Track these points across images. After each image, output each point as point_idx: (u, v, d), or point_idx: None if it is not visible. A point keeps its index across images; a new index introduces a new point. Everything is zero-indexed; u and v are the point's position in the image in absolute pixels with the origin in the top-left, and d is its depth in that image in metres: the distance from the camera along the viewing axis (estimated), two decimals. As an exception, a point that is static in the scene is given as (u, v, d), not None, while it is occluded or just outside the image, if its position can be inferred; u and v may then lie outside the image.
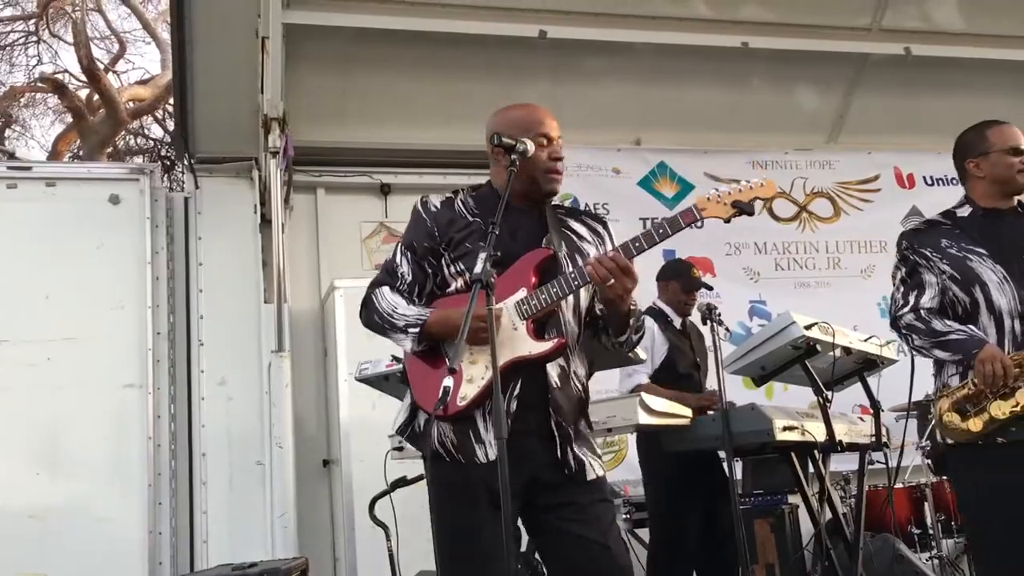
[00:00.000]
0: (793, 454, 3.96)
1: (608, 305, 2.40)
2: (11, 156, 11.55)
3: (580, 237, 2.55)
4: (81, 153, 12.41)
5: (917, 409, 5.52)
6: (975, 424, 2.71)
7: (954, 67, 6.55)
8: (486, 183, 2.59)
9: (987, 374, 2.67)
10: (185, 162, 5.80)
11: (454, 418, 2.35)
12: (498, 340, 2.22)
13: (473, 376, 2.33)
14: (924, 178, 6.93)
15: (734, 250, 6.42)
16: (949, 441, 2.82)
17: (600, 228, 2.60)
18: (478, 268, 2.13)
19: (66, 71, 13.73)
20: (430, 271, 2.50)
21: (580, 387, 2.46)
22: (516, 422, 2.31)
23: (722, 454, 3.91)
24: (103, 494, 5.11)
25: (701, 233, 6.34)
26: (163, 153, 13.25)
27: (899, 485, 5.21)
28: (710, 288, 4.74)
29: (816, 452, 3.99)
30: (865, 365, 4.31)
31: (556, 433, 2.36)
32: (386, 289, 2.50)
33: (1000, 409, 2.70)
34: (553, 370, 2.38)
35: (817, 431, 3.85)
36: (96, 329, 5.27)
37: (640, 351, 3.78)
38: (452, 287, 2.46)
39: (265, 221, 5.62)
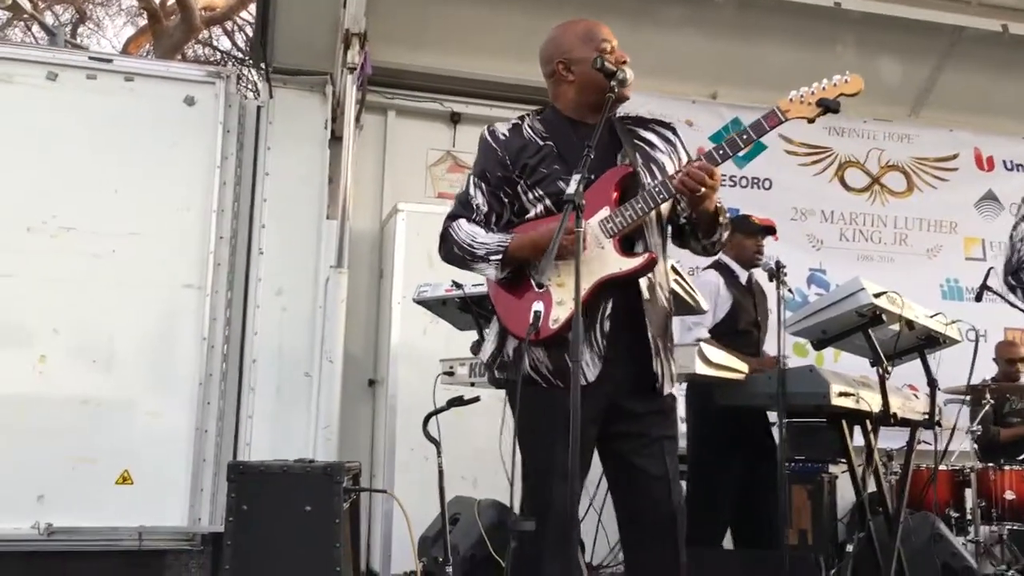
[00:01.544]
0: (844, 422, 3.92)
1: (697, 210, 2.39)
2: (84, 49, 11.63)
3: (652, 146, 2.53)
4: (152, 57, 12.48)
5: (971, 394, 5.47)
6: None
7: (1046, 48, 6.34)
8: (549, 106, 2.56)
9: None
10: (261, 70, 5.79)
11: (547, 342, 2.34)
12: (585, 260, 2.20)
13: (563, 298, 2.33)
14: (1004, 162, 6.75)
15: (800, 215, 6.33)
16: None
17: (670, 134, 2.58)
18: (571, 188, 2.11)
19: (142, -27, 13.78)
20: (506, 200, 2.49)
21: (666, 298, 2.48)
22: (610, 344, 2.32)
23: (772, 416, 3.88)
24: (155, 389, 5.22)
25: (767, 196, 6.29)
26: (230, 65, 13.29)
27: (943, 467, 5.17)
28: (773, 232, 4.65)
29: (868, 423, 3.94)
30: (927, 342, 4.23)
31: (651, 345, 2.37)
32: (463, 221, 2.49)
33: None
34: (643, 283, 2.37)
35: (872, 401, 3.81)
36: (161, 227, 5.32)
37: (703, 302, 3.75)
38: (532, 213, 2.45)
39: (335, 138, 5.62)
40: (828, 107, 2.27)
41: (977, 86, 6.58)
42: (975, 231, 6.56)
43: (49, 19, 13.65)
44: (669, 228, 2.55)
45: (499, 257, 2.39)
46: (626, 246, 2.36)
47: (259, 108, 5.73)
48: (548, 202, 2.40)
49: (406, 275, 5.25)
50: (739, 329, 4.38)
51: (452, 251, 2.49)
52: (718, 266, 4.52)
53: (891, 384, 4.19)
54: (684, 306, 3.63)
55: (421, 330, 5.18)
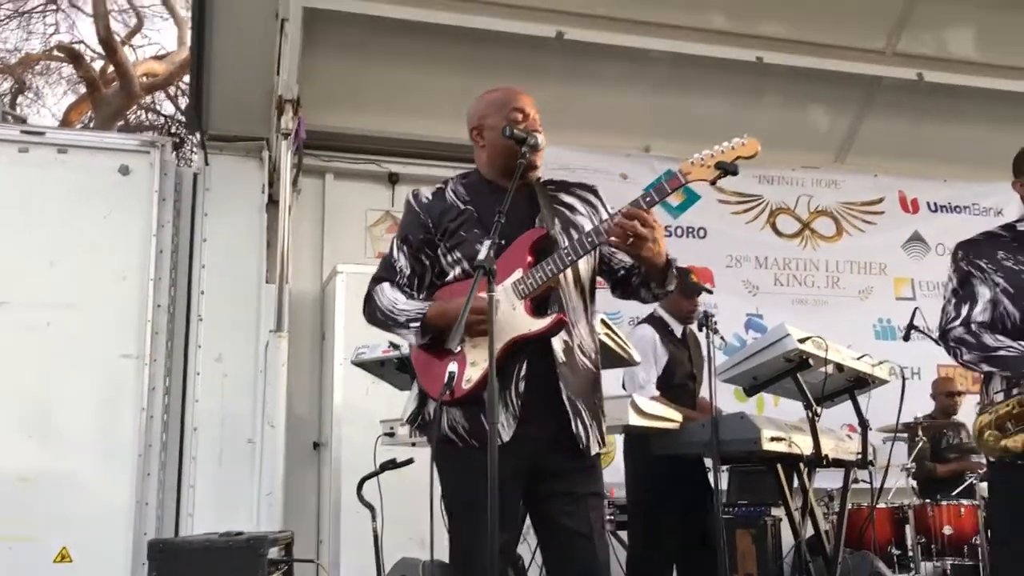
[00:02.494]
0: (779, 466, 3.99)
1: (643, 261, 2.40)
2: (22, 122, 11.56)
3: (573, 210, 2.58)
4: (92, 124, 12.43)
5: (906, 431, 5.59)
6: (1014, 442, 2.65)
7: (966, 96, 6.59)
8: (474, 170, 2.63)
9: None
10: (197, 138, 5.83)
11: (461, 401, 2.39)
12: (498, 323, 2.26)
13: (477, 359, 2.37)
14: (928, 204, 6.98)
15: (735, 263, 6.46)
16: (991, 459, 2.78)
17: (591, 196, 2.63)
18: (481, 255, 2.17)
19: (82, 42, 13.78)
20: (427, 263, 2.54)
21: (588, 361, 2.49)
22: (525, 405, 2.37)
23: (708, 462, 3.94)
24: (93, 462, 5.14)
25: (702, 244, 6.42)
26: (173, 130, 13.28)
27: (882, 505, 5.25)
28: (710, 292, 4.75)
29: (802, 465, 4.01)
30: (856, 383, 4.34)
31: (567, 406, 2.40)
32: (386, 285, 2.54)
33: None
34: (558, 345, 2.41)
35: (804, 444, 3.89)
36: (97, 298, 5.30)
37: (635, 354, 3.81)
38: (450, 275, 2.50)
39: (272, 202, 5.66)
40: (726, 170, 2.34)
41: (898, 132, 6.81)
42: (904, 272, 6.76)
43: (-10, 91, 13.58)
44: (598, 284, 2.59)
45: (418, 324, 2.44)
46: (539, 308, 2.41)
47: (195, 175, 5.76)
48: (465, 265, 2.45)
49: (347, 336, 5.26)
50: (675, 383, 4.43)
51: (375, 315, 2.55)
52: (653, 320, 4.59)
53: (824, 426, 4.30)
54: (616, 358, 3.69)
55: (364, 391, 5.17)
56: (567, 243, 2.41)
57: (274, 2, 5.13)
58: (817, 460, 3.90)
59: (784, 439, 3.75)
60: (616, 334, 3.66)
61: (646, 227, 2.30)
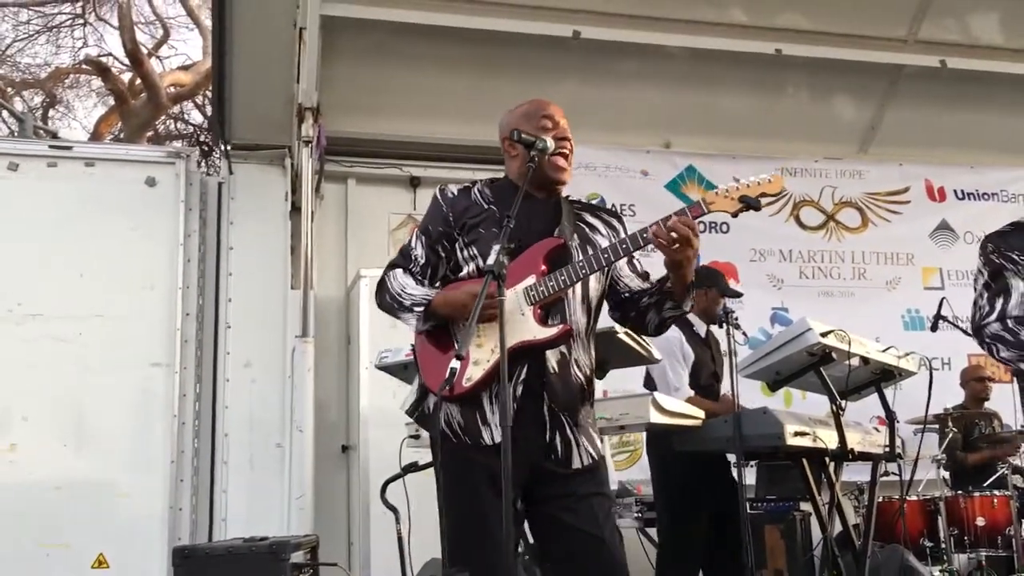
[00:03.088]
0: (805, 461, 3.97)
1: (677, 270, 2.42)
2: (54, 136, 11.76)
3: (593, 229, 2.61)
4: (122, 136, 12.63)
5: (936, 422, 5.53)
6: None
7: (991, 82, 6.51)
8: (504, 176, 2.66)
9: None
10: (220, 148, 5.90)
11: (460, 399, 2.41)
12: (506, 325, 2.28)
13: (479, 358, 2.40)
14: (955, 192, 6.89)
15: (759, 256, 6.43)
16: None
17: (615, 222, 2.66)
18: (491, 259, 2.19)
19: (110, 54, 13.97)
20: (443, 255, 2.58)
21: (581, 376, 2.50)
22: (519, 409, 2.38)
23: (732, 457, 3.94)
24: (126, 469, 5.23)
25: (726, 239, 6.38)
26: (202, 139, 13.44)
27: (913, 497, 5.21)
28: (740, 296, 4.75)
29: (827, 460, 3.99)
30: (882, 376, 4.31)
31: (547, 417, 2.41)
32: (399, 271, 2.59)
33: None
34: (552, 356, 2.43)
35: (830, 439, 3.87)
36: (127, 308, 5.39)
37: (655, 352, 3.81)
38: (464, 271, 2.53)
39: (295, 209, 5.72)
40: (749, 204, 2.36)
41: (922, 120, 6.74)
42: (932, 261, 6.68)
43: (19, 105, 13.81)
44: (604, 307, 2.61)
45: (421, 309, 2.47)
46: (546, 317, 2.43)
47: (220, 184, 5.84)
48: (480, 262, 2.48)
49: (372, 340, 5.30)
50: (701, 384, 4.40)
51: (384, 299, 2.59)
52: (677, 320, 4.57)
53: (852, 419, 4.27)
54: (636, 356, 3.70)
55: (391, 394, 5.18)
56: (582, 257, 2.42)
57: (292, 11, 5.18)
58: (843, 454, 3.87)
59: (808, 433, 3.74)
60: (634, 332, 3.66)
61: (695, 236, 2.34)
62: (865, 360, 4.18)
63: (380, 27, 5.60)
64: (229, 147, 5.78)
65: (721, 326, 3.90)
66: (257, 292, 5.68)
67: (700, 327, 4.56)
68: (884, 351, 4.21)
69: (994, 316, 2.77)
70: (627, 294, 2.59)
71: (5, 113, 13.29)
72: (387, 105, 6.03)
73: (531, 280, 2.42)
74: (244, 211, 5.78)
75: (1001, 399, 5.89)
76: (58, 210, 5.43)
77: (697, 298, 4.59)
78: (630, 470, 5.55)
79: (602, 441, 3.50)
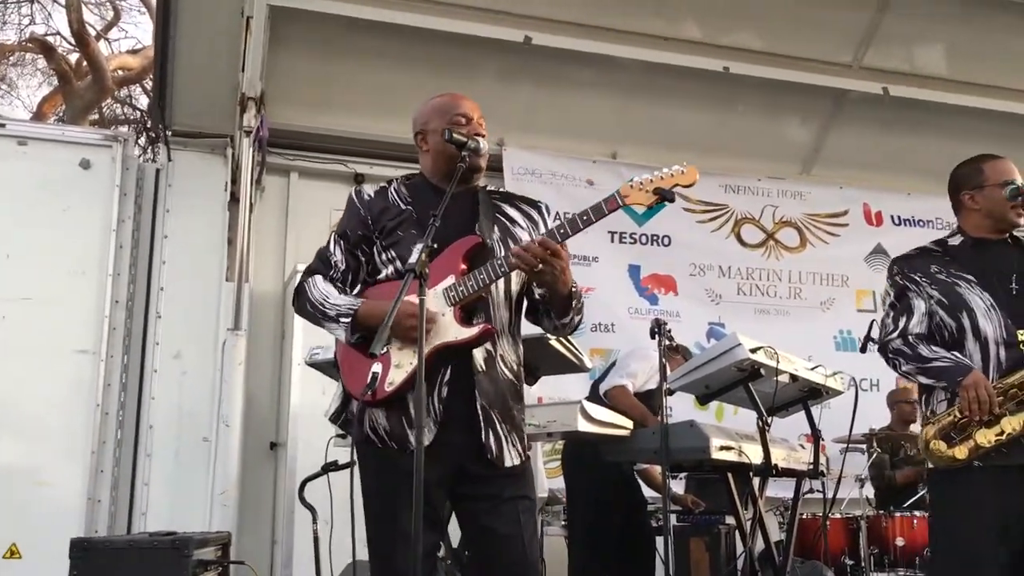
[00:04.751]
0: (730, 475, 4.00)
1: (545, 288, 2.42)
2: (-8, 113, 11.47)
3: (513, 222, 2.57)
4: (64, 117, 12.33)
5: (863, 442, 5.61)
6: (960, 451, 2.72)
7: (933, 111, 6.66)
8: (419, 173, 2.63)
9: (971, 400, 2.68)
10: (160, 133, 5.78)
11: (383, 403, 2.38)
12: (426, 327, 2.27)
13: (401, 362, 2.36)
14: (892, 217, 7.03)
15: (698, 271, 6.49)
16: (930, 465, 2.84)
17: (534, 213, 2.62)
18: (413, 258, 2.17)
19: (58, 33, 13.66)
20: (363, 259, 2.53)
21: (509, 373, 2.48)
22: (446, 410, 2.36)
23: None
24: (45, 458, 5.10)
25: (667, 251, 6.44)
26: (148, 124, 13.17)
27: (836, 515, 5.27)
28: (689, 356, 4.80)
29: (752, 475, 4.02)
30: (810, 394, 4.35)
31: (480, 416, 2.39)
32: (319, 278, 2.52)
33: (985, 437, 2.70)
34: (478, 355, 2.40)
35: (755, 454, 3.90)
36: (54, 292, 5.26)
37: (587, 360, 3.81)
38: (383, 274, 2.48)
39: (235, 199, 5.62)
40: (663, 196, 2.35)
41: (864, 145, 6.87)
42: (866, 284, 6.81)
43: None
44: (525, 304, 2.60)
45: (348, 321, 2.42)
46: (467, 317, 2.40)
47: (158, 171, 5.72)
48: (398, 264, 2.44)
49: (306, 337, 5.21)
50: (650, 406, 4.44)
51: (305, 307, 2.52)
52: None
53: (779, 436, 4.32)
54: (567, 363, 3.69)
55: (321, 390, 5.12)
56: (502, 255, 2.40)
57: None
58: (767, 470, 3.90)
59: (734, 448, 3.76)
60: (568, 340, 3.65)
61: (557, 258, 2.30)
62: (794, 377, 4.22)
63: (331, 20, 5.54)
64: (169, 133, 5.66)
65: (653, 336, 3.90)
66: (191, 282, 5.58)
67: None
68: (812, 369, 4.26)
69: (896, 333, 2.91)
70: (539, 295, 2.55)
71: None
72: (334, 99, 5.97)
73: (450, 280, 2.40)
74: (181, 199, 5.67)
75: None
76: (-13, 188, 5.28)
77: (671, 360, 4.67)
78: (558, 479, 5.53)
79: (531, 447, 3.50)
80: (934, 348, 2.83)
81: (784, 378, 4.14)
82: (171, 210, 5.65)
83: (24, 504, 4.97)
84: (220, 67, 5.46)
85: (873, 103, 6.61)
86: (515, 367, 2.51)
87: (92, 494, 5.12)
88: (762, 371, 3.86)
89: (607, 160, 6.57)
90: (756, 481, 4.10)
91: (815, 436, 4.29)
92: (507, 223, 2.56)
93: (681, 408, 5.42)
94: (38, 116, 12.85)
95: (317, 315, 2.48)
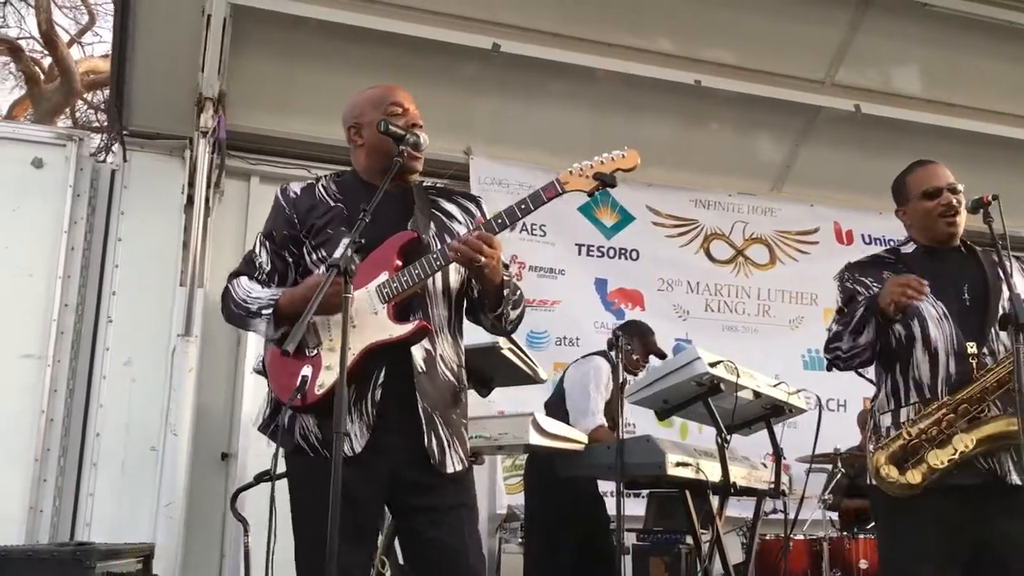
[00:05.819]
0: (688, 493, 3.90)
1: (479, 281, 2.33)
2: (-42, 114, 11.27)
3: (450, 216, 2.47)
4: (32, 120, 12.13)
5: (827, 462, 5.53)
6: (914, 476, 2.56)
7: (905, 130, 6.59)
8: (350, 170, 2.52)
9: (898, 289, 2.54)
10: (116, 133, 5.64)
11: (315, 409, 2.25)
12: (358, 325, 2.18)
13: (332, 363, 2.23)
14: (863, 236, 6.97)
15: (666, 286, 6.40)
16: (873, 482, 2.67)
17: (472, 207, 2.52)
18: (337, 253, 2.05)
19: (32, 37, 13.49)
20: (291, 260, 2.42)
21: (450, 373, 2.38)
22: (381, 414, 2.25)
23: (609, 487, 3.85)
24: (-14, 464, 4.91)
25: (635, 266, 6.36)
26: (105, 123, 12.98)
27: (800, 537, 5.17)
28: (663, 356, 4.68)
29: (710, 493, 3.92)
30: (772, 411, 4.27)
31: (422, 418, 2.27)
32: (243, 279, 2.41)
33: (938, 458, 2.55)
34: (418, 354, 2.29)
35: (713, 471, 3.80)
36: (1, 294, 5.09)
37: (541, 372, 3.70)
38: (314, 274, 2.36)
39: (191, 202, 5.47)
40: (604, 181, 2.28)
41: (835, 163, 6.81)
42: (835, 303, 6.69)
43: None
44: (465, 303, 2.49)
45: (270, 312, 2.29)
46: (403, 314, 2.29)
47: (113, 171, 5.57)
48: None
49: (259, 344, 5.03)
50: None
51: (230, 309, 2.40)
52: (608, 357, 4.50)
53: (740, 454, 4.23)
54: (520, 375, 3.58)
55: (274, 401, 5.00)
56: (437, 250, 2.29)
57: (200, -2, 4.99)
58: (726, 488, 3.80)
59: (691, 464, 3.66)
60: (521, 350, 3.54)
61: (490, 249, 2.21)
62: (757, 394, 4.14)
63: (295, 22, 5.42)
64: (126, 133, 5.51)
65: (611, 349, 3.80)
66: (145, 287, 5.42)
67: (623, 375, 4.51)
68: (775, 386, 4.18)
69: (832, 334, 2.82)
70: (477, 291, 2.45)
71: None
72: (297, 103, 5.84)
73: (384, 277, 2.29)
74: (137, 201, 5.53)
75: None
76: (-66, 186, 5.12)
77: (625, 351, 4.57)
78: (519, 495, 5.41)
79: (483, 461, 3.38)
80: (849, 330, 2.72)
81: (747, 395, 4.06)
82: (126, 212, 5.50)
83: (-38, 512, 4.80)
84: (180, 67, 5.32)
85: (846, 121, 6.56)
86: (455, 368, 2.40)
87: (34, 503, 4.95)
88: (722, 386, 3.77)
89: (577, 172, 6.46)
90: (715, 500, 4.01)
91: (777, 454, 4.20)
92: (443, 218, 2.46)
93: (645, 424, 5.32)
94: (9, 119, 12.66)
95: (241, 314, 2.36)
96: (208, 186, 5.27)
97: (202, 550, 5.16)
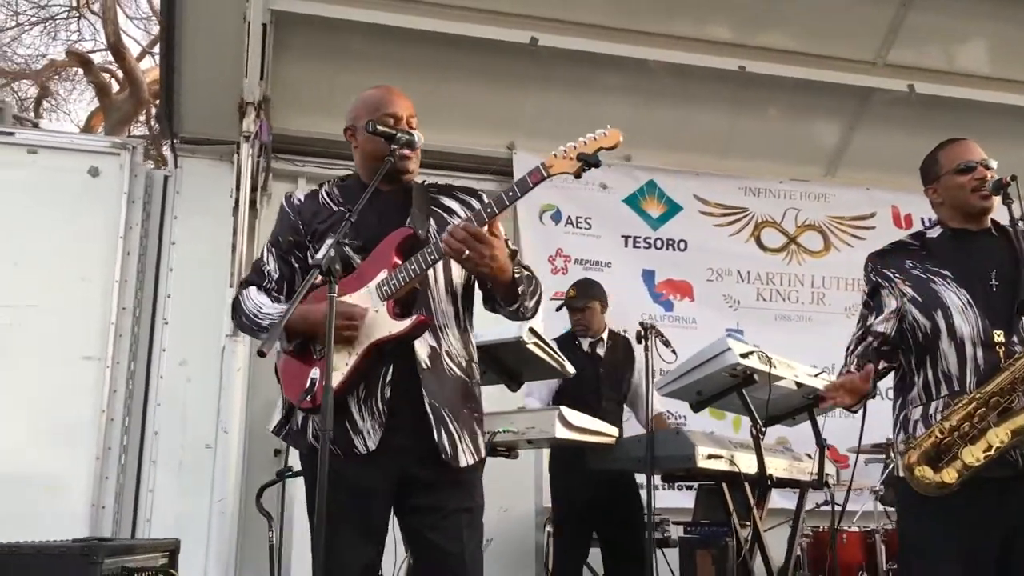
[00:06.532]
0: (725, 486, 3.85)
1: (480, 277, 2.33)
2: (35, 126, 11.71)
3: (451, 212, 2.48)
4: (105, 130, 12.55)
5: (883, 452, 5.38)
6: (949, 475, 2.49)
7: (963, 109, 6.39)
8: (353, 174, 2.56)
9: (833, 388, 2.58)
10: (168, 141, 5.81)
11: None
12: (362, 326, 2.24)
13: (339, 365, 2.28)
14: (923, 219, 6.74)
15: (716, 276, 6.31)
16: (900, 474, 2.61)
17: (475, 202, 2.51)
18: (320, 254, 2.09)
19: (105, 49, 13.94)
20: (297, 266, 2.47)
21: (458, 368, 2.39)
22: (390, 412, 2.27)
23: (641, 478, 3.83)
24: (51, 464, 5.10)
25: (683, 257, 6.28)
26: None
27: (854, 529, 5.06)
28: (578, 307, 4.62)
29: (747, 486, 3.86)
30: (815, 401, 4.18)
31: (430, 415, 2.29)
32: (252, 290, 2.47)
33: (972, 455, 2.48)
34: (422, 351, 2.31)
35: (749, 463, 3.74)
36: (61, 299, 5.28)
37: (568, 365, 3.70)
38: (320, 280, 2.41)
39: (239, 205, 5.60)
40: (587, 161, 2.27)
41: (891, 145, 6.61)
42: (881, 291, 6.54)
43: (9, 96, 13.77)
44: (478, 296, 2.50)
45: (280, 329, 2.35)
46: (405, 311, 2.31)
47: (166, 178, 5.73)
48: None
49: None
50: (572, 399, 4.19)
51: (241, 321, 2.47)
52: (562, 337, 4.49)
53: (785, 446, 4.15)
54: (547, 368, 3.59)
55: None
56: (433, 242, 2.31)
57: (243, 5, 5.09)
58: (762, 480, 3.74)
59: (723, 457, 3.62)
60: (547, 344, 3.54)
61: (480, 243, 2.20)
62: (799, 384, 4.07)
63: (336, 25, 5.51)
64: (177, 141, 5.68)
65: (640, 342, 3.77)
66: (197, 289, 5.56)
67: (583, 342, 4.47)
68: (816, 375, 4.09)
69: (858, 330, 2.77)
70: (484, 284, 2.45)
71: (-9, 102, 13.27)
72: (341, 104, 5.82)
73: (383, 275, 2.32)
74: (189, 206, 5.68)
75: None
76: (-2, 196, 5.34)
77: (580, 313, 4.54)
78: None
79: (516, 455, 3.39)
80: (858, 350, 2.69)
81: (788, 384, 3.99)
82: (178, 217, 5.66)
83: (30, 510, 4.97)
84: (226, 74, 5.44)
85: (900, 102, 6.38)
86: (464, 363, 2.41)
87: (97, 500, 5.13)
88: (755, 377, 3.71)
89: (621, 163, 6.41)
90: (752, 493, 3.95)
91: (819, 445, 4.12)
92: (444, 214, 2.47)
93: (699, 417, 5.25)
94: (87, 129, 13.12)
95: (253, 327, 2.43)
96: (255, 189, 5.38)
97: (258, 545, 5.27)
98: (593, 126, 6.73)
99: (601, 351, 4.51)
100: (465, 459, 2.33)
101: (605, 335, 4.60)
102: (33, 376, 5.14)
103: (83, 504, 5.10)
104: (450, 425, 2.32)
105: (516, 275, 2.33)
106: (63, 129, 13.78)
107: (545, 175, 2.27)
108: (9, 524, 4.82)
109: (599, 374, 4.38)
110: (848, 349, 2.76)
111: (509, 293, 2.34)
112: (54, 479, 5.09)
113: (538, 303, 2.47)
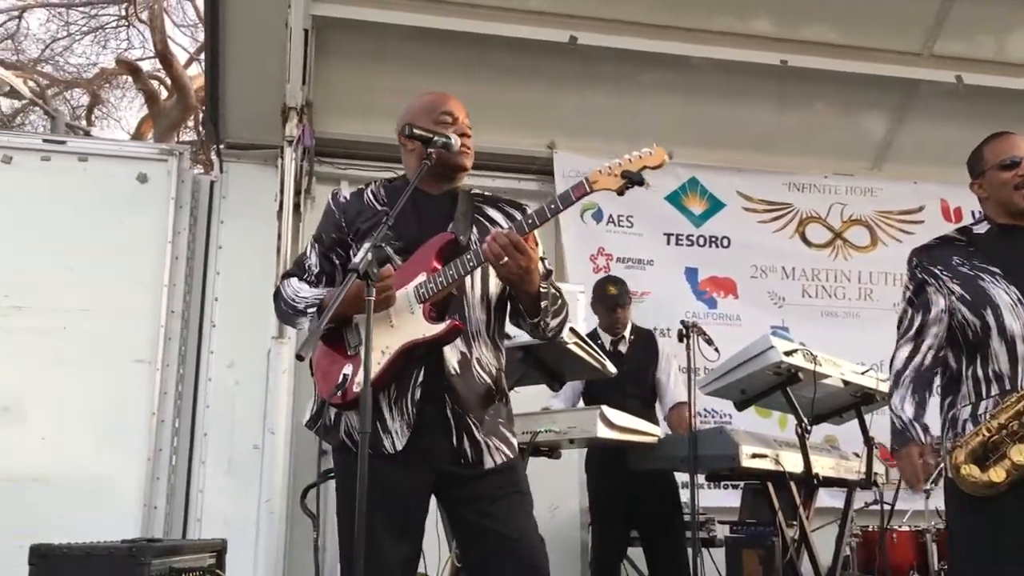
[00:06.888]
0: (771, 484, 3.81)
1: (509, 285, 2.35)
2: (87, 134, 11.98)
3: (493, 223, 2.50)
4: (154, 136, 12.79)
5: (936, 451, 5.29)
6: (997, 474, 2.45)
7: (1012, 99, 6.25)
8: (402, 175, 2.59)
9: (902, 469, 2.55)
10: (214, 147, 5.90)
11: (355, 406, 2.31)
12: (395, 325, 2.26)
13: (371, 362, 2.30)
14: (973, 213, 6.61)
15: (760, 273, 6.25)
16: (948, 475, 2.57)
17: (517, 214, 2.53)
18: (357, 258, 2.11)
19: (154, 57, 14.21)
20: (338, 262, 2.50)
21: (487, 376, 2.41)
22: (420, 414, 2.30)
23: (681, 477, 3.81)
24: (103, 466, 5.21)
25: (726, 254, 6.23)
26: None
27: (906, 528, 4.98)
28: (622, 304, 4.55)
29: (793, 485, 3.83)
30: (863, 399, 4.14)
31: (452, 422, 2.32)
32: (293, 280, 2.52)
33: (1021, 454, 2.44)
34: (452, 356, 2.33)
35: (795, 463, 3.71)
36: (112, 303, 5.39)
37: (610, 365, 3.69)
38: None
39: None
40: (631, 179, 2.27)
41: (939, 137, 6.48)
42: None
43: (62, 105, 14.10)
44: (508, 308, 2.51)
45: (314, 310, 2.39)
46: (439, 316, 2.33)
47: (212, 183, 5.83)
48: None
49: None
50: (597, 398, 4.21)
51: (280, 307, 2.52)
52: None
53: (823, 444, 4.10)
54: (588, 368, 3.58)
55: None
56: (471, 252, 2.33)
57: (285, 11, 5.15)
58: (808, 479, 3.70)
59: (768, 456, 3.58)
60: (588, 344, 3.54)
61: (519, 252, 2.22)
62: (846, 382, 4.02)
63: (376, 28, 5.55)
64: (222, 146, 5.76)
65: (681, 340, 3.75)
66: (244, 292, 5.63)
67: (605, 339, 4.45)
68: (863, 373, 4.04)
69: (912, 332, 2.70)
70: (514, 297, 2.47)
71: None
72: (382, 107, 5.92)
73: (422, 278, 2.34)
74: (235, 210, 5.77)
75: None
76: (49, 204, 5.46)
77: (623, 310, 4.51)
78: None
79: (559, 455, 3.39)
80: (909, 398, 2.60)
81: (835, 383, 3.95)
82: (225, 221, 5.75)
83: (84, 510, 5.08)
84: (269, 80, 5.51)
85: (948, 93, 6.25)
86: (494, 372, 2.43)
87: (148, 500, 5.23)
88: (800, 375, 3.68)
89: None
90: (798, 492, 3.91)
91: (868, 444, 4.07)
92: (487, 223, 2.49)
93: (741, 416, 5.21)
94: (137, 136, 13.40)
95: (290, 312, 2.47)
96: (298, 192, 5.44)
97: (306, 545, 5.34)
98: (633, 124, 6.73)
99: (623, 348, 4.48)
100: (491, 462, 2.35)
101: (627, 332, 4.57)
102: (85, 379, 5.25)
103: (136, 505, 5.20)
104: (475, 432, 2.34)
105: (543, 290, 2.35)
106: (114, 136, 14.12)
107: (588, 190, 2.30)
108: (66, 525, 4.97)
109: (623, 371, 4.36)
110: (896, 370, 2.68)
111: (533, 306, 2.36)
112: (107, 481, 5.20)
113: (562, 324, 2.48)
